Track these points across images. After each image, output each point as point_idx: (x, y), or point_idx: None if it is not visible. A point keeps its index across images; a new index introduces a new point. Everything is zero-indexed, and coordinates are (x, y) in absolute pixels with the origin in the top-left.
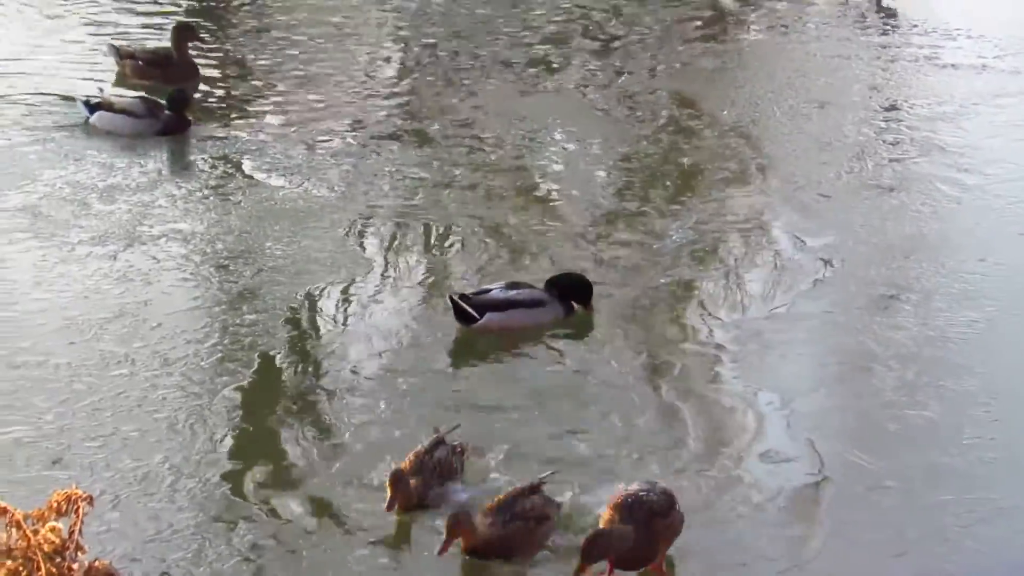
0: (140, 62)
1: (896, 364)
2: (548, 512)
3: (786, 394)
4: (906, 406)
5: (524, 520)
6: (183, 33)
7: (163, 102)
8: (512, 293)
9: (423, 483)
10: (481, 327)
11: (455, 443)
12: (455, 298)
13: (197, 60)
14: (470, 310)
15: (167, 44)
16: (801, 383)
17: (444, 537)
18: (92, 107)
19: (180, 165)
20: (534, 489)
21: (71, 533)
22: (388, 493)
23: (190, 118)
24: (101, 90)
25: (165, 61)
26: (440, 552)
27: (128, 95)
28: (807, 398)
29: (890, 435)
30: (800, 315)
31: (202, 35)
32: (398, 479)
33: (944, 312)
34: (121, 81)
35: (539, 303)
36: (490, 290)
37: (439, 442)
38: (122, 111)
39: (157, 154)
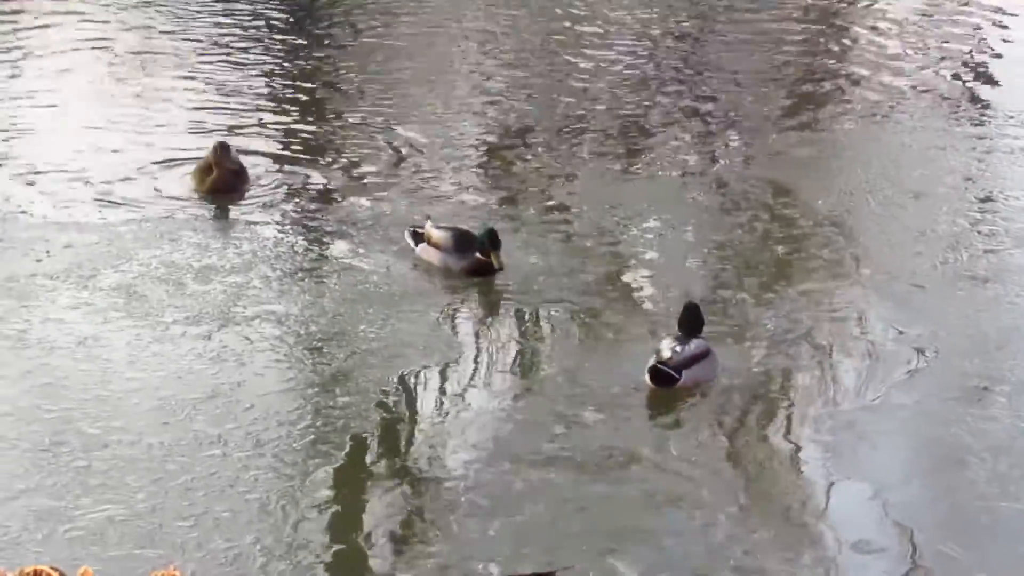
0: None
1: (989, 456)
2: None
3: (878, 485)
4: (999, 498)
5: None
6: (223, 150)
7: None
8: (691, 348)
9: None
10: (680, 385)
11: None
12: (657, 365)
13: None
14: (671, 371)
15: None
16: (894, 474)
17: None
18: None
19: (275, 247)
20: None
21: None
22: None
23: (497, 265)
24: (428, 217)
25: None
26: None
27: (445, 227)
28: (900, 489)
29: (983, 527)
30: (893, 406)
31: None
32: None
33: None
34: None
35: (707, 353)
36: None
37: None
38: (435, 245)
39: (252, 235)
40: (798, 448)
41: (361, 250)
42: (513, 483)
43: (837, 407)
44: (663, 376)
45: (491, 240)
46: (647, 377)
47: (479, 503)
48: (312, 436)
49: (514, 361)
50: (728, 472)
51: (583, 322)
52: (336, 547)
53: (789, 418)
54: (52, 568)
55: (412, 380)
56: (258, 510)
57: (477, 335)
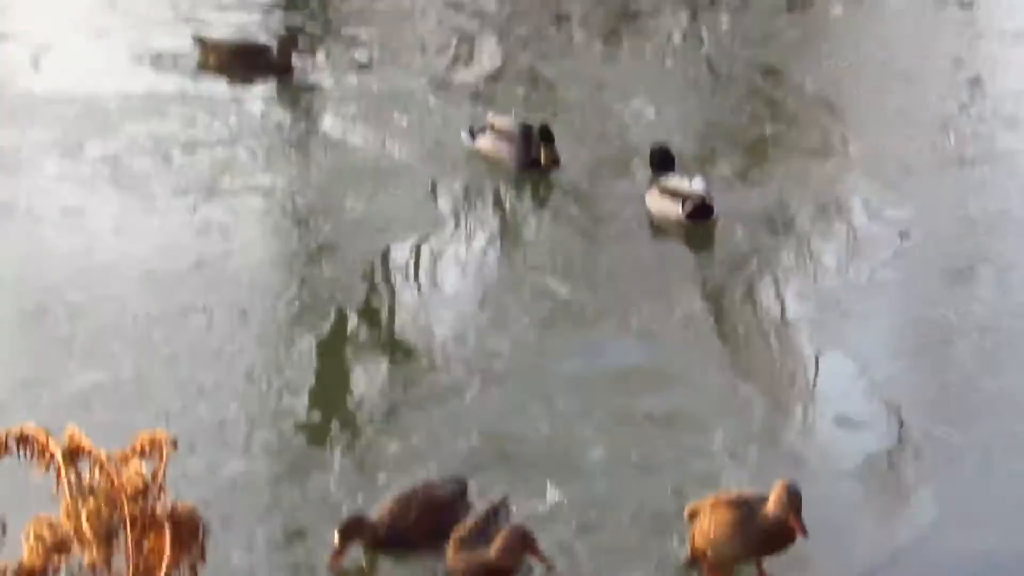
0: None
1: (975, 335)
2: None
3: (864, 362)
4: (984, 377)
5: None
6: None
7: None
8: (701, 181)
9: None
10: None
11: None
12: (702, 201)
13: None
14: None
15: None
16: (879, 352)
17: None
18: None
19: (262, 121)
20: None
21: (154, 475)
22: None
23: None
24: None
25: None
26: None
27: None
28: (885, 367)
29: (969, 405)
30: (879, 285)
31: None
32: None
33: None
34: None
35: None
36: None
37: (496, 511)
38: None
39: (239, 109)
40: (783, 324)
41: (348, 125)
42: (498, 353)
43: (823, 285)
44: (706, 210)
45: (542, 136)
46: (684, 212)
47: (463, 374)
48: (297, 307)
49: (499, 234)
50: (712, 346)
51: (570, 197)
52: (320, 416)
53: (774, 295)
54: (39, 429)
55: (397, 253)
56: (243, 379)
57: (463, 209)
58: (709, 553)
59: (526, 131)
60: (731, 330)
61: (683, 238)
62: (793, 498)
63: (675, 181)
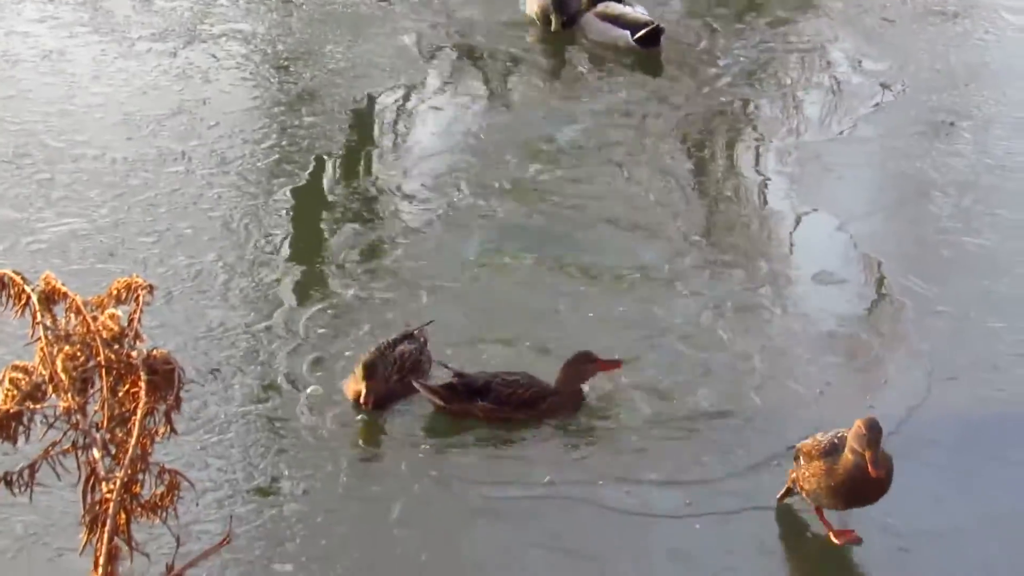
0: None
1: (953, 191)
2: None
3: (842, 216)
4: (962, 233)
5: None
6: None
7: None
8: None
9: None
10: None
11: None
12: (655, 26)
13: None
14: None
15: None
16: (858, 206)
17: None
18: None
19: None
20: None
21: (130, 321)
22: (363, 388)
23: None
24: None
25: None
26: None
27: None
28: (863, 221)
29: (944, 261)
30: (859, 139)
31: None
32: (371, 372)
33: (1003, 141)
34: None
35: None
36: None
37: (402, 339)
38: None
39: None
40: (763, 178)
41: None
42: (474, 206)
43: (803, 139)
44: (658, 36)
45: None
46: (634, 39)
47: (439, 225)
48: (276, 155)
49: (479, 86)
50: (692, 200)
51: (551, 55)
52: (298, 266)
53: (754, 148)
54: (15, 272)
55: (377, 101)
56: (221, 227)
57: (443, 59)
58: (810, 501)
59: None
60: (710, 183)
61: (665, 84)
62: (869, 434)
63: (615, 7)
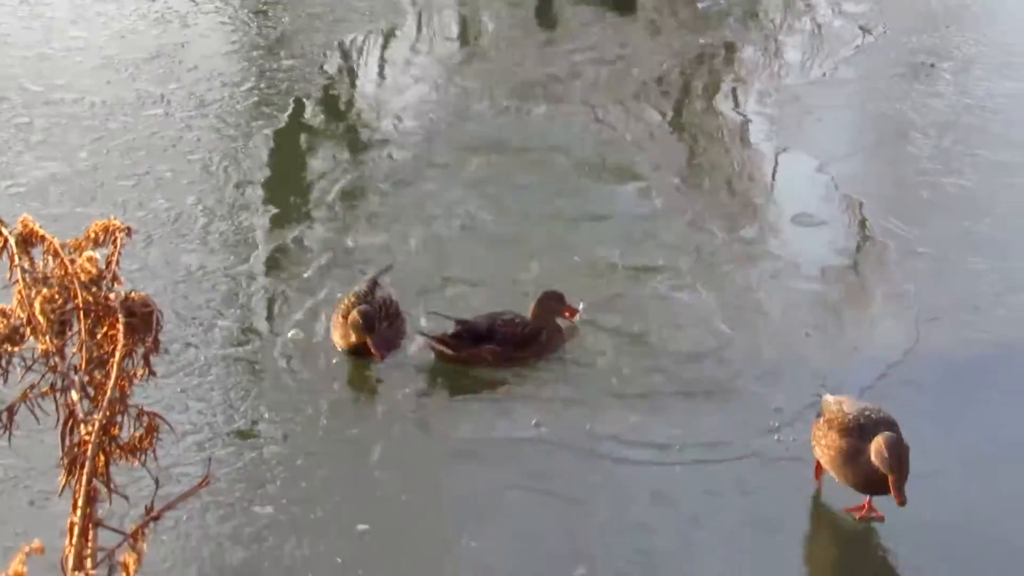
0: None
1: (933, 132)
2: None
3: (822, 158)
4: (942, 174)
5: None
6: None
7: None
8: None
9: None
10: None
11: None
12: None
13: None
14: None
15: None
16: (838, 148)
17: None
18: None
19: None
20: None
21: (108, 263)
22: (368, 340)
23: None
24: None
25: None
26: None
27: None
28: (843, 163)
29: (925, 202)
30: (839, 81)
31: None
32: (371, 323)
33: (983, 82)
34: None
35: None
36: None
37: (375, 284)
38: None
39: None
40: (743, 120)
41: None
42: (452, 150)
43: (783, 81)
44: None
45: None
46: None
47: (417, 168)
48: (255, 98)
49: (459, 32)
50: (671, 143)
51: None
52: (277, 209)
53: (734, 91)
54: None
55: (357, 45)
56: (200, 170)
57: (423, 3)
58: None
59: None
60: (688, 125)
61: (645, 28)
62: (893, 459)
63: None
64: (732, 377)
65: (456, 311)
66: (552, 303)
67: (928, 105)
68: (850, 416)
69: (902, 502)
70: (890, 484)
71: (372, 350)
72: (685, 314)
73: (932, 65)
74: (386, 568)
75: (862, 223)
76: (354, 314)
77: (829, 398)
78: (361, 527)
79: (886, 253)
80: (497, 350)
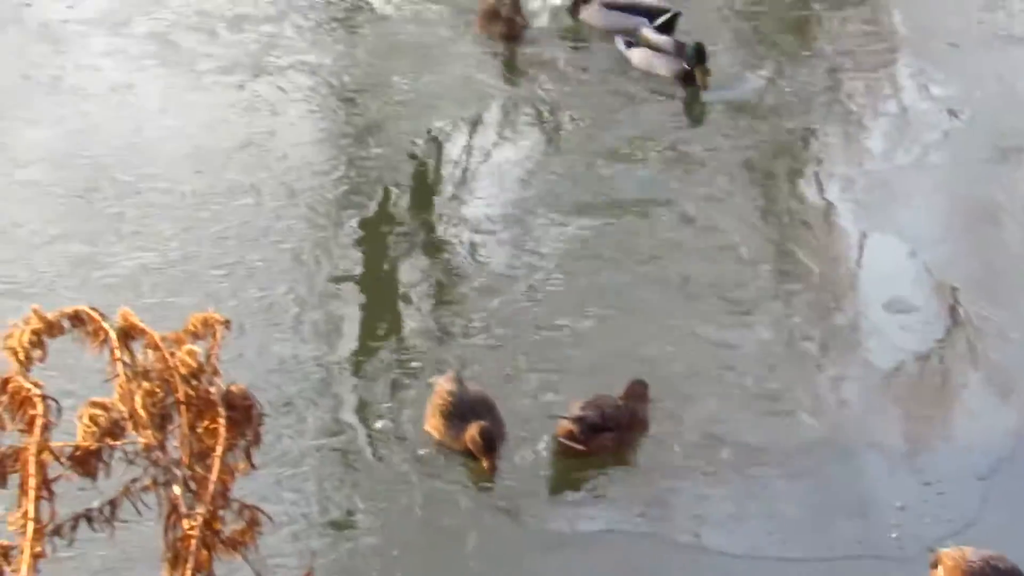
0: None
1: (1023, 214)
2: None
3: (912, 243)
4: None
5: None
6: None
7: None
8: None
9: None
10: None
11: None
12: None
13: None
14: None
15: None
16: (927, 233)
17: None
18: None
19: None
20: None
21: (208, 356)
22: (485, 462)
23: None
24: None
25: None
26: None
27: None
28: (933, 248)
29: (1017, 286)
30: (927, 165)
31: None
32: (492, 444)
33: None
34: None
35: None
36: None
37: (460, 380)
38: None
39: None
40: (830, 205)
41: (395, 0)
42: (547, 229)
43: (870, 165)
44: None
45: (697, 55)
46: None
47: (507, 257)
48: (345, 187)
49: (544, 115)
50: (759, 226)
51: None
52: (369, 297)
53: (821, 176)
54: (92, 309)
55: (444, 132)
56: (291, 259)
57: (508, 90)
58: None
59: (679, 47)
60: (778, 211)
61: (728, 120)
62: None
63: (649, 34)
64: (826, 475)
65: (542, 406)
66: (641, 389)
67: (1017, 188)
68: (975, 562)
69: None
70: None
71: (488, 471)
72: (779, 404)
73: (1019, 148)
74: None
75: (952, 308)
76: (473, 432)
77: (947, 551)
78: None
79: (975, 338)
80: (616, 437)
